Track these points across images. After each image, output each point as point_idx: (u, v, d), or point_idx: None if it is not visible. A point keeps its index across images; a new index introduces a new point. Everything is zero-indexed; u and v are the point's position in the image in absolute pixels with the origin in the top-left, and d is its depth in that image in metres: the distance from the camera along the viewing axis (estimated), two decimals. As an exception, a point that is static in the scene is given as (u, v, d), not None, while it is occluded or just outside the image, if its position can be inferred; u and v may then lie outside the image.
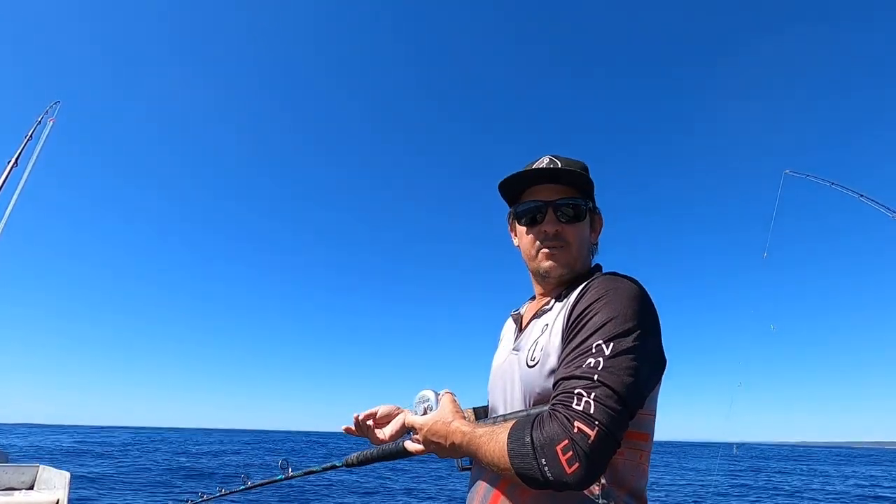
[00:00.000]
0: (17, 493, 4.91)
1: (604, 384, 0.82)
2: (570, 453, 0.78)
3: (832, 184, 7.49)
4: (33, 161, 6.83)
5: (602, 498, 0.91)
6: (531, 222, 1.13)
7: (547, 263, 1.10)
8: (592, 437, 0.78)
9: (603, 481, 0.92)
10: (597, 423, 0.79)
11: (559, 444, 0.79)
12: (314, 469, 1.42)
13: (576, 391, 0.83)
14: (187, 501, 1.76)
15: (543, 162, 1.14)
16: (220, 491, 1.70)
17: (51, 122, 7.27)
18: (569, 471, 0.77)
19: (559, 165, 1.12)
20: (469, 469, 1.14)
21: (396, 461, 1.23)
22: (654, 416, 1.00)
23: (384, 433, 1.21)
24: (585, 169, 1.15)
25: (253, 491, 1.60)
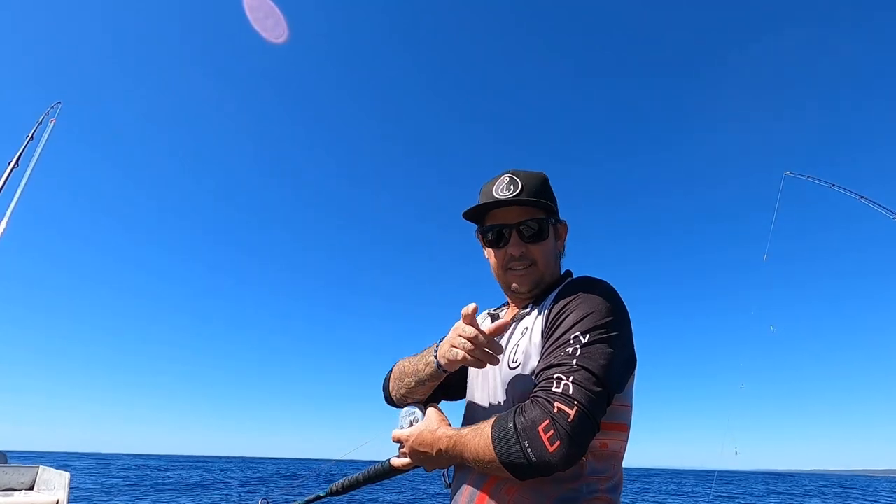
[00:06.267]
0: (16, 493, 4.93)
1: (582, 367, 0.86)
2: (552, 432, 0.81)
3: (832, 185, 7.47)
4: (34, 162, 6.82)
5: (585, 492, 0.92)
6: (496, 245, 1.14)
7: (515, 284, 1.13)
8: (572, 416, 0.81)
9: (586, 472, 0.93)
10: (576, 402, 0.82)
11: (541, 424, 0.82)
12: (297, 502, 1.36)
13: (555, 376, 0.87)
14: None
15: (504, 181, 1.12)
16: None
17: (52, 123, 7.26)
18: (551, 449, 0.80)
19: (519, 183, 1.11)
20: None
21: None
22: (630, 408, 1.03)
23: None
24: (545, 182, 1.15)
25: None
